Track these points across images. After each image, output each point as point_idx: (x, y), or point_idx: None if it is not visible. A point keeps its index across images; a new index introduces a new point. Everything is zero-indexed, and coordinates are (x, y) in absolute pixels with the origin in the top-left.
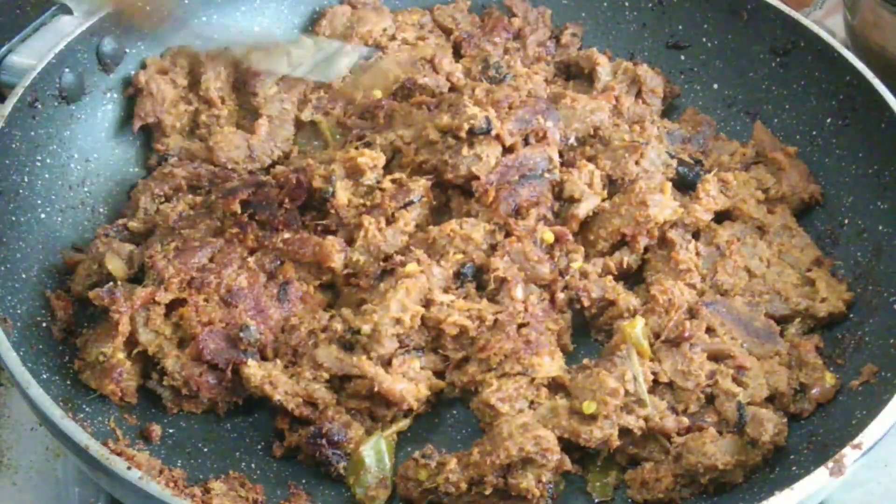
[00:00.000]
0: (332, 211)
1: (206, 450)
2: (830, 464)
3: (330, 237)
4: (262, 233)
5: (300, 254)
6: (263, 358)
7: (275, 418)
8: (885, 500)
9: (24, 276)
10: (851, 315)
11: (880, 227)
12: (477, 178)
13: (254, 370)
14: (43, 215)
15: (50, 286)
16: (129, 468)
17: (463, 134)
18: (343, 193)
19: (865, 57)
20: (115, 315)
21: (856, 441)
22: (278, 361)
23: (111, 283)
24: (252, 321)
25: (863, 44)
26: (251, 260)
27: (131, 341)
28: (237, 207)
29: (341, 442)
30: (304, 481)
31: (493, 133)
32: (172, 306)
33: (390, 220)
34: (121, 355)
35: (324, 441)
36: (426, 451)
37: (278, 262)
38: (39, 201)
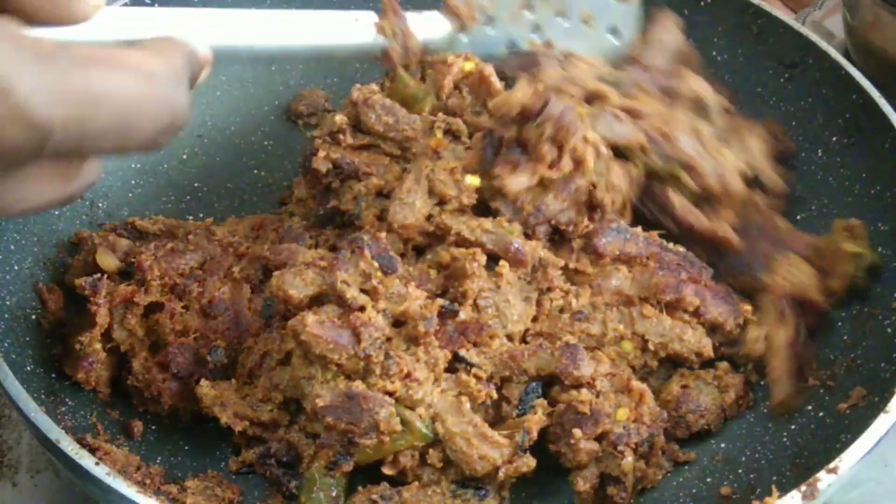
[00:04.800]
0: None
1: (187, 447)
2: (804, 487)
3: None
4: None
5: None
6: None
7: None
8: (885, 499)
9: (16, 268)
10: (845, 337)
11: (879, 249)
12: None
13: (206, 390)
14: None
15: (43, 279)
16: (97, 464)
17: None
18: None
19: (865, 58)
20: (93, 307)
21: (831, 465)
22: (233, 381)
23: (97, 275)
24: (223, 341)
25: (862, 44)
26: (236, 269)
27: (108, 334)
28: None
29: (290, 462)
30: None
31: None
32: (152, 308)
33: None
34: (97, 345)
35: (272, 461)
36: (384, 492)
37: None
38: None
